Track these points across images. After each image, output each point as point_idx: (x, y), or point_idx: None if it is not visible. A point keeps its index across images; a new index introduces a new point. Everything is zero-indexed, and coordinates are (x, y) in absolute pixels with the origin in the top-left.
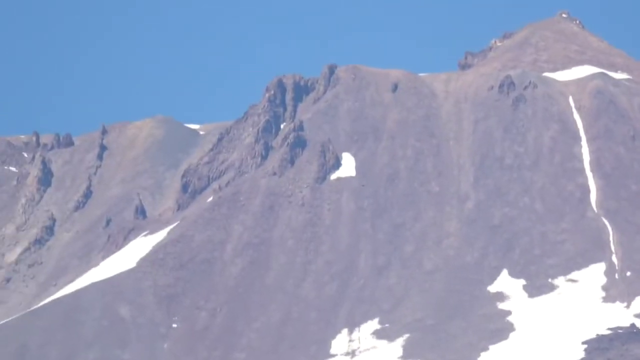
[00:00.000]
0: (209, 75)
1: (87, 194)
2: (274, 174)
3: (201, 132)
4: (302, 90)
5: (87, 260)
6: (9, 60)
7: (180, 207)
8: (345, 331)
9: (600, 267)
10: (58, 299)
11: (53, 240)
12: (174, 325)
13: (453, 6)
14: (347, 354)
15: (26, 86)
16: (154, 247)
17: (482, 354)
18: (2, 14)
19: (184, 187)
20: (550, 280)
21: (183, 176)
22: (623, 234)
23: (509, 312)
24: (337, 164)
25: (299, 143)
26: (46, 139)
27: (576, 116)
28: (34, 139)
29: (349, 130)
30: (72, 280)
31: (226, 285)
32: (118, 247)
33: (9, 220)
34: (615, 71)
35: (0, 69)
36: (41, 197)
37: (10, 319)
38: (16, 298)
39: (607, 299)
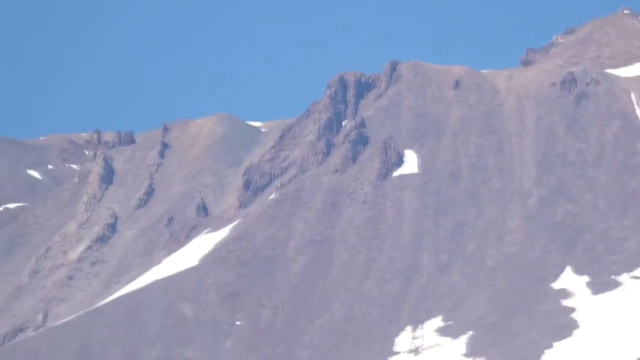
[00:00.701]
0: (271, 72)
1: (149, 192)
2: (336, 171)
3: (263, 130)
4: (363, 87)
5: (149, 258)
6: (70, 58)
7: (242, 204)
8: (408, 329)
9: None
10: (120, 297)
11: (115, 238)
12: (237, 323)
13: (515, 2)
14: (411, 351)
15: (88, 84)
16: (216, 244)
17: (546, 351)
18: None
19: (246, 185)
20: (613, 277)
21: (245, 174)
22: None
23: (572, 309)
24: (399, 161)
25: (361, 140)
26: (108, 136)
27: (639, 112)
28: (96, 136)
29: (411, 127)
30: (134, 278)
31: (289, 282)
32: (180, 244)
33: (71, 218)
34: None
35: (62, 68)
36: (103, 194)
37: (73, 316)
38: (79, 296)
39: None
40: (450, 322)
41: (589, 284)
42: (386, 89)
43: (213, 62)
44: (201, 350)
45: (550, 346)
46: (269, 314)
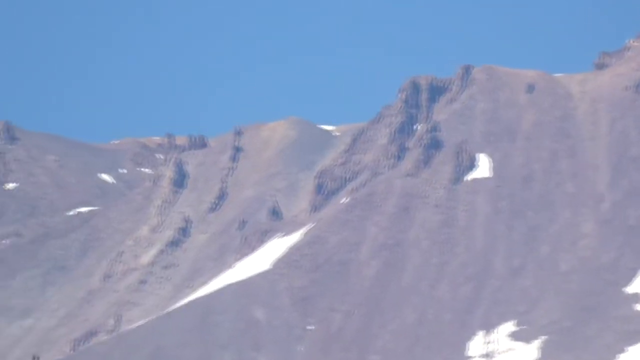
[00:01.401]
0: (344, 76)
1: (222, 196)
2: (409, 175)
3: (335, 134)
4: (436, 91)
5: (221, 262)
6: (144, 63)
7: (314, 208)
8: (481, 333)
9: None
10: (193, 301)
11: (188, 242)
12: (309, 328)
13: (589, 6)
14: (484, 355)
15: (161, 88)
16: (288, 248)
17: (619, 355)
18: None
19: (319, 189)
20: None
21: (317, 177)
22: None
23: None
24: (472, 165)
25: (434, 144)
26: (180, 140)
27: None
28: (168, 140)
29: (484, 131)
30: (206, 282)
31: (361, 286)
32: (253, 248)
33: (143, 222)
34: None
35: (135, 72)
36: (175, 198)
37: (145, 320)
38: (152, 300)
39: None
40: (523, 327)
41: None
42: (459, 92)
43: (286, 67)
44: (273, 354)
45: (623, 350)
46: (341, 318)
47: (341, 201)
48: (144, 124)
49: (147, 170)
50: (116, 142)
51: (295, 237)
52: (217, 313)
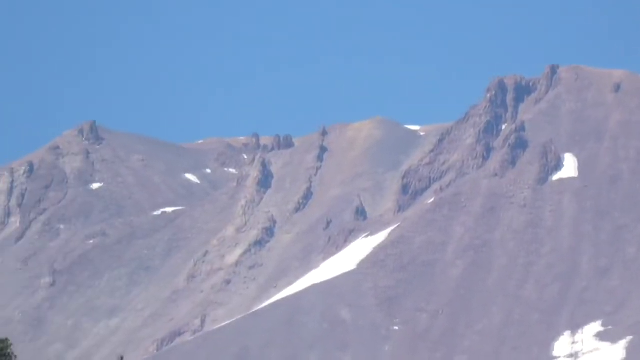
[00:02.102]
0: (430, 76)
1: (307, 196)
2: (495, 175)
3: (421, 133)
4: (523, 91)
5: (307, 262)
6: (232, 63)
7: (400, 208)
8: (567, 333)
9: None
10: (278, 301)
11: (273, 242)
12: (395, 328)
13: None
14: (570, 356)
15: (246, 88)
16: (374, 248)
17: None
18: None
19: (404, 189)
20: None
21: (403, 177)
22: None
23: None
24: (559, 165)
25: (520, 144)
26: (266, 140)
27: None
28: (254, 140)
29: (571, 131)
30: (292, 282)
31: (447, 287)
32: (338, 248)
33: (229, 222)
34: None
35: (221, 72)
36: (261, 198)
37: (231, 320)
38: (237, 300)
39: None
40: (609, 327)
41: None
42: (546, 92)
43: (369, 67)
44: (359, 354)
45: None
46: (427, 318)
47: (427, 201)
48: (230, 123)
49: (232, 170)
50: (201, 142)
51: (380, 237)
52: (303, 313)
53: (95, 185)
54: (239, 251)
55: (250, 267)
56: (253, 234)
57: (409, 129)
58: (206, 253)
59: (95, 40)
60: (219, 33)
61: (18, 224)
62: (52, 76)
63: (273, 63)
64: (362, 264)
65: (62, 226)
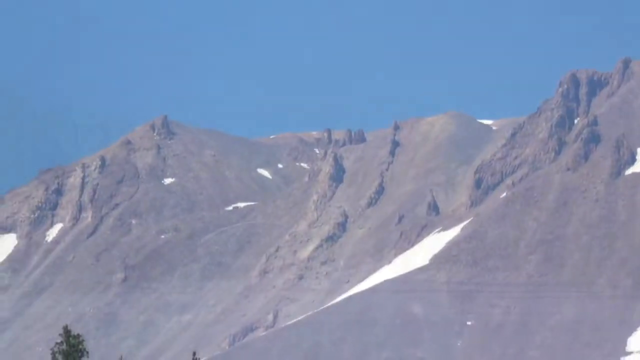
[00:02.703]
0: (502, 70)
1: (380, 190)
2: (568, 169)
3: (494, 128)
4: (596, 85)
5: (379, 257)
6: (304, 59)
7: (473, 203)
8: None
9: None
10: (351, 296)
11: (345, 237)
12: (468, 323)
13: None
14: None
15: (318, 84)
16: (447, 243)
17: None
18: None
19: (477, 183)
20: None
21: (476, 172)
22: None
23: None
24: (632, 159)
25: (593, 138)
26: (338, 135)
27: None
28: (326, 135)
29: None
30: (364, 278)
31: (520, 282)
32: (411, 243)
33: (301, 217)
34: None
35: (295, 68)
36: (333, 193)
37: (303, 316)
38: (309, 296)
39: None
40: None
41: None
42: (618, 86)
43: (443, 61)
44: (432, 350)
45: None
46: (500, 314)
47: (500, 196)
48: (303, 118)
49: (304, 165)
50: (274, 136)
51: (453, 232)
52: (375, 309)
53: (167, 181)
54: (311, 246)
55: (323, 263)
56: (325, 229)
57: (482, 123)
58: (278, 248)
59: (168, 37)
60: (293, 30)
61: (90, 220)
62: (124, 72)
63: (344, 59)
64: (435, 259)
65: (134, 221)
